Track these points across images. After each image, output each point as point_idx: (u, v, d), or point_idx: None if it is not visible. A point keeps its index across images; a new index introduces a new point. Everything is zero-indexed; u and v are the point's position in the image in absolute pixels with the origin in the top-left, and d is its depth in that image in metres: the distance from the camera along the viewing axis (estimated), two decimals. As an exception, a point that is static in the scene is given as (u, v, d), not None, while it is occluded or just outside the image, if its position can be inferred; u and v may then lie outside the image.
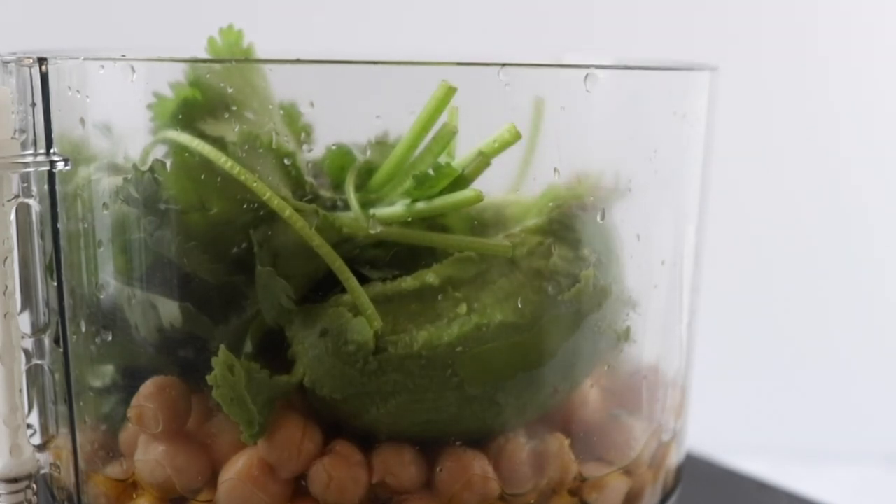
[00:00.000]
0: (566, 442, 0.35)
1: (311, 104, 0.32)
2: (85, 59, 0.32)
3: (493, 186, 0.34)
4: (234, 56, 0.36)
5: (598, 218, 0.36)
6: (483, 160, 0.33)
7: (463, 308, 0.33)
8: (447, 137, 0.33)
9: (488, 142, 0.33)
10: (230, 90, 0.33)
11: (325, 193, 0.34)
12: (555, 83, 0.33)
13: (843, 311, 0.80)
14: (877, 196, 0.79)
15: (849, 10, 0.77)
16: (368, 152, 0.35)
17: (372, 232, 0.33)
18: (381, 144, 0.35)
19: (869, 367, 0.80)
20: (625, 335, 0.36)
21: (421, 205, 0.33)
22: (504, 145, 0.33)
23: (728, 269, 0.72)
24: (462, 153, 0.34)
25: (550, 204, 0.35)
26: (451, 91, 0.32)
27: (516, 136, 0.32)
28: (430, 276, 0.33)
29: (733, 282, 0.76)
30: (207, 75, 0.33)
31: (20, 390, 0.34)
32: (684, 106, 0.38)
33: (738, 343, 0.79)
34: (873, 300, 0.80)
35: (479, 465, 0.33)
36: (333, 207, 0.34)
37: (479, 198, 0.32)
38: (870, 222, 0.79)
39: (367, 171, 0.34)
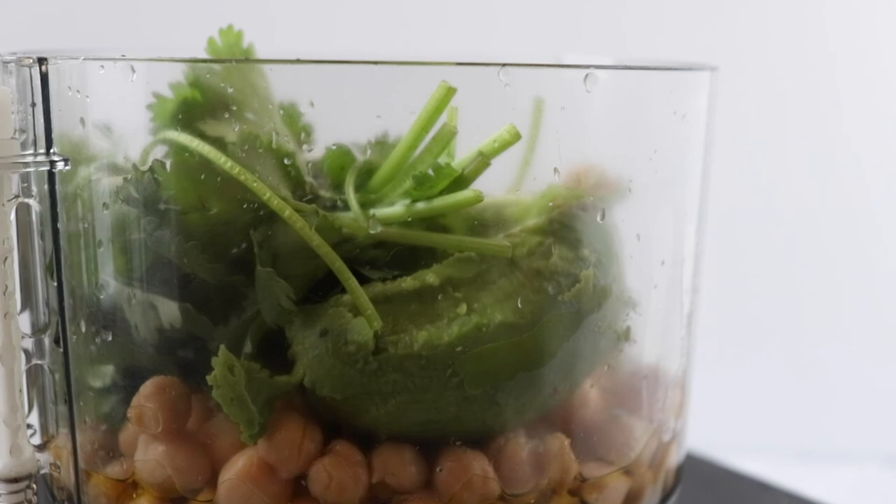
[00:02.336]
0: (566, 442, 0.35)
1: (312, 104, 0.32)
2: (85, 58, 0.32)
3: (493, 186, 0.34)
4: (234, 56, 0.36)
5: (599, 218, 0.36)
6: (483, 160, 0.33)
7: (463, 308, 0.33)
8: (447, 138, 0.33)
9: (488, 142, 0.33)
10: (230, 90, 0.33)
11: (325, 194, 0.34)
12: (555, 83, 0.33)
13: (843, 311, 0.80)
14: (880, 193, 0.79)
15: (851, 8, 0.77)
16: (369, 152, 0.35)
17: (372, 232, 0.33)
18: (381, 144, 0.35)
19: (869, 367, 0.80)
20: (625, 335, 0.36)
21: (421, 205, 0.33)
22: (504, 146, 0.33)
23: (728, 269, 0.72)
24: (462, 153, 0.34)
25: (550, 204, 0.35)
26: (450, 91, 0.32)
27: (516, 137, 0.32)
28: (430, 276, 0.33)
29: (734, 282, 0.76)
30: (207, 75, 0.33)
31: (20, 390, 0.34)
32: (684, 106, 0.38)
33: (738, 343, 0.79)
34: (874, 300, 0.80)
35: (479, 465, 0.33)
36: (333, 208, 0.34)
37: (478, 198, 0.32)
38: (872, 222, 0.79)
39: (367, 172, 0.34)
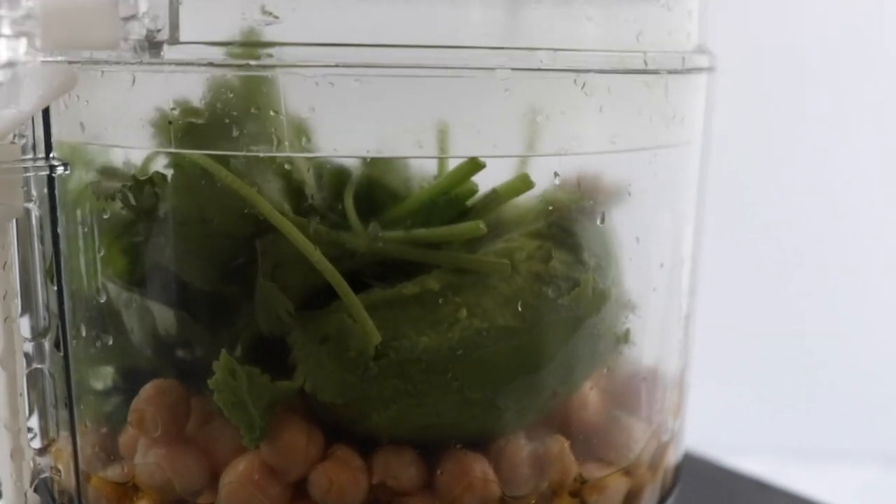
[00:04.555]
0: (566, 444, 0.35)
1: (312, 109, 0.32)
2: (84, 63, 0.32)
3: (492, 191, 0.34)
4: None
5: (598, 221, 0.36)
6: (496, 199, 0.34)
7: (463, 313, 0.33)
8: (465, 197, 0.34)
9: (504, 185, 0.33)
10: (230, 95, 0.33)
11: (326, 208, 0.34)
12: (554, 88, 0.33)
13: (842, 311, 0.80)
14: (877, 196, 0.79)
15: (847, 9, 0.77)
16: (369, 159, 0.35)
17: (372, 249, 0.33)
18: (377, 159, 0.35)
19: (869, 367, 0.80)
20: (624, 338, 0.37)
21: (422, 231, 0.34)
22: (516, 193, 0.34)
23: (727, 270, 0.72)
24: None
25: (550, 207, 0.35)
26: (478, 167, 0.33)
27: (528, 185, 0.33)
28: (431, 282, 0.33)
29: (733, 283, 0.76)
30: (210, 80, 0.33)
31: (21, 394, 0.34)
32: (682, 109, 0.38)
33: (737, 343, 0.79)
34: (873, 300, 0.80)
35: (480, 467, 0.33)
36: (335, 223, 0.34)
37: (480, 230, 0.33)
38: (869, 223, 0.79)
39: (367, 185, 0.34)
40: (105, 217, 0.33)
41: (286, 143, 0.32)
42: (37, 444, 0.36)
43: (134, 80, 0.32)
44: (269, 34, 0.31)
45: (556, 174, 0.34)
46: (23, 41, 0.32)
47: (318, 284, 0.32)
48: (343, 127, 0.32)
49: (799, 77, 0.77)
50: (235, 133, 0.32)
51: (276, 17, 0.30)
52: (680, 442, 0.43)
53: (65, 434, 0.36)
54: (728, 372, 0.76)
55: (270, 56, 0.31)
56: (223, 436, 0.33)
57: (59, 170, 0.33)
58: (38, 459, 0.35)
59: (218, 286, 0.33)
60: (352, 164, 0.35)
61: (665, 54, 0.36)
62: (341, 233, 0.33)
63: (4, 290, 0.32)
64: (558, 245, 0.34)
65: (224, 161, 0.32)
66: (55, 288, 0.34)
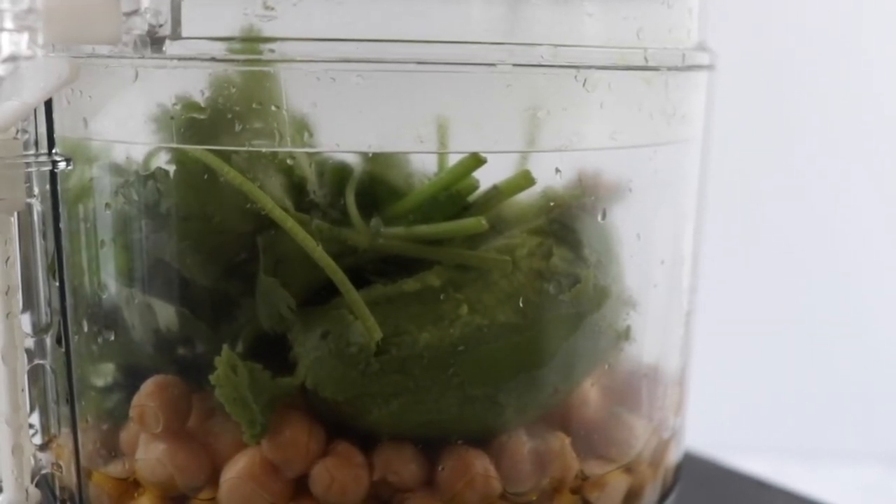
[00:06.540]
0: (567, 440, 0.35)
1: (314, 104, 0.32)
2: (88, 58, 0.32)
3: (493, 187, 0.34)
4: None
5: (599, 218, 0.36)
6: (497, 195, 0.34)
7: (464, 309, 0.33)
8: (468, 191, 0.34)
9: (505, 181, 0.34)
10: (232, 90, 0.33)
11: (327, 204, 0.34)
12: (556, 84, 0.33)
13: (843, 310, 0.80)
14: (876, 195, 0.79)
15: (848, 7, 0.77)
16: (371, 154, 0.35)
17: (373, 245, 0.33)
18: (380, 155, 0.35)
19: (869, 368, 0.80)
20: (625, 334, 0.37)
21: (423, 227, 0.34)
22: (517, 189, 0.34)
23: (728, 268, 0.72)
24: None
25: (551, 204, 0.35)
26: (479, 162, 0.33)
27: (530, 182, 0.33)
28: (432, 278, 0.33)
29: (733, 281, 0.77)
30: (212, 75, 0.33)
31: (22, 390, 0.34)
32: (683, 106, 0.38)
33: (738, 343, 0.79)
34: (873, 300, 0.80)
35: (481, 463, 0.33)
36: (336, 219, 0.34)
37: (481, 227, 0.33)
38: (870, 222, 0.80)
39: (368, 181, 0.35)
40: (107, 213, 0.33)
41: (288, 139, 0.32)
42: (38, 440, 0.36)
43: (136, 76, 0.32)
44: (271, 29, 0.31)
45: (557, 170, 0.34)
46: (25, 36, 0.32)
47: (320, 280, 0.32)
48: (344, 122, 0.32)
49: (800, 74, 0.78)
50: (237, 128, 0.32)
51: (272, 10, 0.30)
52: (681, 440, 0.43)
53: (66, 430, 0.36)
54: (728, 371, 0.76)
55: (272, 51, 0.31)
56: (224, 432, 0.33)
57: (62, 165, 0.33)
58: (40, 455, 0.35)
59: (219, 282, 0.33)
60: (353, 160, 0.35)
61: (665, 51, 0.36)
62: (343, 229, 0.33)
63: (6, 285, 0.33)
64: (559, 241, 0.34)
65: (226, 156, 0.32)
66: (57, 284, 0.34)
